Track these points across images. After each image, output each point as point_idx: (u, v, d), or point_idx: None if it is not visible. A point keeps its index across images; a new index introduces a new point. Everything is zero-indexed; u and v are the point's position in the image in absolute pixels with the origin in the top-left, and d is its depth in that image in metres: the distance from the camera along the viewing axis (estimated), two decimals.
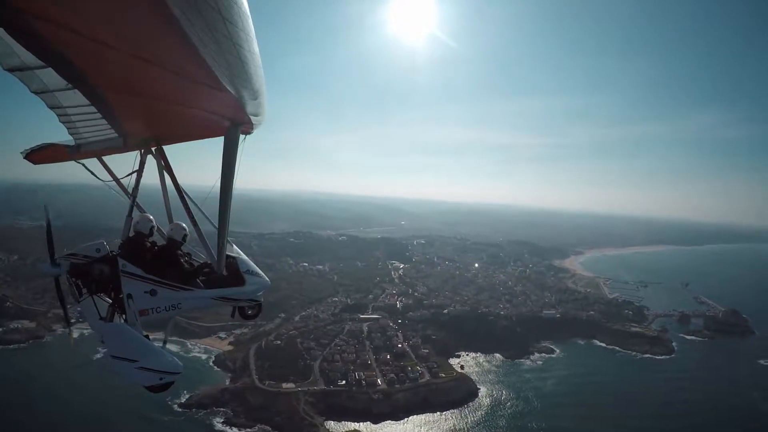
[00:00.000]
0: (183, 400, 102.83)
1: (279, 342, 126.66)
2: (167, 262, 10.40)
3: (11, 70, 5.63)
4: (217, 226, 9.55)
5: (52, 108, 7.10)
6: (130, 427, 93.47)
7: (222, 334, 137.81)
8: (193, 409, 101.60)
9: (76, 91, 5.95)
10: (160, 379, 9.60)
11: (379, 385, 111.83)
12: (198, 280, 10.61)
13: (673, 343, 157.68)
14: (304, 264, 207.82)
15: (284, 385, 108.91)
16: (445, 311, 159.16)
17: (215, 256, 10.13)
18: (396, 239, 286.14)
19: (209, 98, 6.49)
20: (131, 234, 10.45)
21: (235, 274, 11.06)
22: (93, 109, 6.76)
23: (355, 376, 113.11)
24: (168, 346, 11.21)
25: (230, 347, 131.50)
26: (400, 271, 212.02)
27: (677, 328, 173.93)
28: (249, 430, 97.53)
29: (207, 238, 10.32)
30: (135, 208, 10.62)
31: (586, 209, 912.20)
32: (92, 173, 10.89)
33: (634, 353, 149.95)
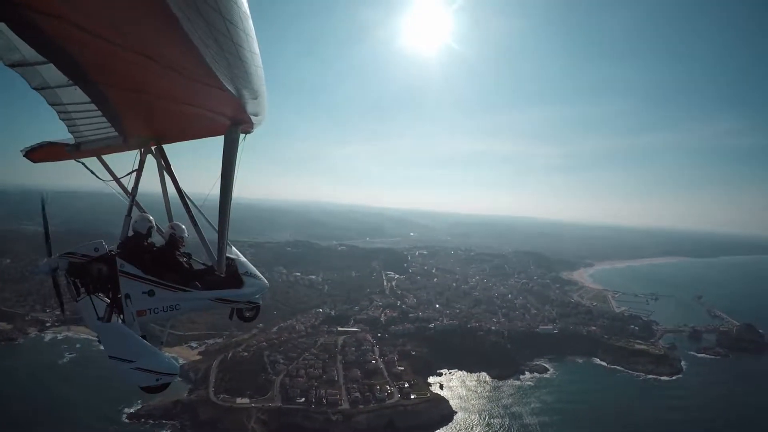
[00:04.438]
0: (133, 410, 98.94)
1: (246, 354, 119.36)
2: (166, 263, 10.11)
3: (12, 65, 5.69)
4: (217, 226, 9.23)
5: (52, 105, 7.07)
6: None
7: (194, 344, 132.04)
8: (141, 420, 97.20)
9: (77, 87, 5.89)
10: (157, 380, 9.37)
11: (341, 404, 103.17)
12: (196, 282, 10.28)
13: (682, 362, 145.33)
14: (297, 274, 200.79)
15: (238, 400, 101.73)
16: (431, 325, 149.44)
17: (215, 258, 9.71)
18: (397, 250, 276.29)
19: (210, 97, 6.30)
20: (130, 234, 10.19)
21: (233, 275, 10.65)
22: (93, 106, 6.66)
23: (316, 394, 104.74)
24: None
25: (198, 357, 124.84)
26: (393, 282, 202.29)
27: (687, 345, 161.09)
28: None
29: (207, 239, 9.89)
30: (134, 207, 10.36)
31: (598, 221, 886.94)
32: (92, 172, 10.55)
33: (637, 373, 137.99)
